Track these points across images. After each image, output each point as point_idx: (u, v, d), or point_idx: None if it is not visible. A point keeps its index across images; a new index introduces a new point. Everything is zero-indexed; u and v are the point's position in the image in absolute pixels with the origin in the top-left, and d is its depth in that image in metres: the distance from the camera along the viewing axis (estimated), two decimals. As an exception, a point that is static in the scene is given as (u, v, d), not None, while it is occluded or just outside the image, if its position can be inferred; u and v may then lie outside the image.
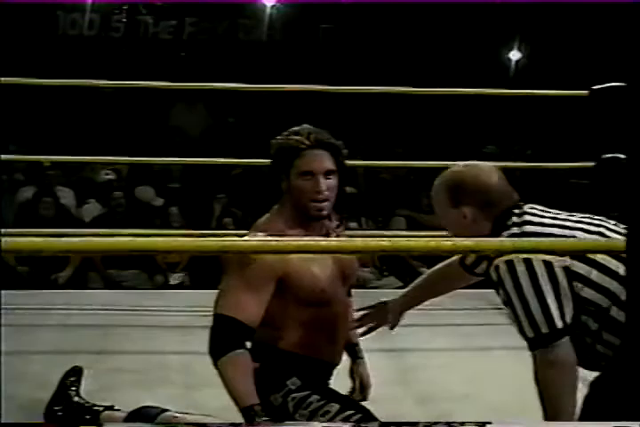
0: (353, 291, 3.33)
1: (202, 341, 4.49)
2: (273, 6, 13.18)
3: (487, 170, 3.02)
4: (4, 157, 5.60)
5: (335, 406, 2.96)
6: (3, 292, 5.52)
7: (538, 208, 2.99)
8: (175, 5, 12.99)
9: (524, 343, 2.76)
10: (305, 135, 2.94)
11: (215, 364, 2.88)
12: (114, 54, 12.42)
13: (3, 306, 4.98)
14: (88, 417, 3.69)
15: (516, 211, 2.94)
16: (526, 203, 3.00)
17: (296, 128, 2.99)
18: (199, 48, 12.92)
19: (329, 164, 2.92)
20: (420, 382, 4.30)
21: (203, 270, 7.31)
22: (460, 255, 3.26)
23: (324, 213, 2.96)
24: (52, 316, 4.93)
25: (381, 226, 8.60)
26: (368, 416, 2.96)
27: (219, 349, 2.90)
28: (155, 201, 9.34)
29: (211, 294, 5.11)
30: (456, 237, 2.93)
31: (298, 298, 2.98)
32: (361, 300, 3.37)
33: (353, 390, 3.31)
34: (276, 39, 13.03)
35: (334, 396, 3.04)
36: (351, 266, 3.15)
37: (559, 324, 2.74)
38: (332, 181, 2.94)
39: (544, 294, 2.77)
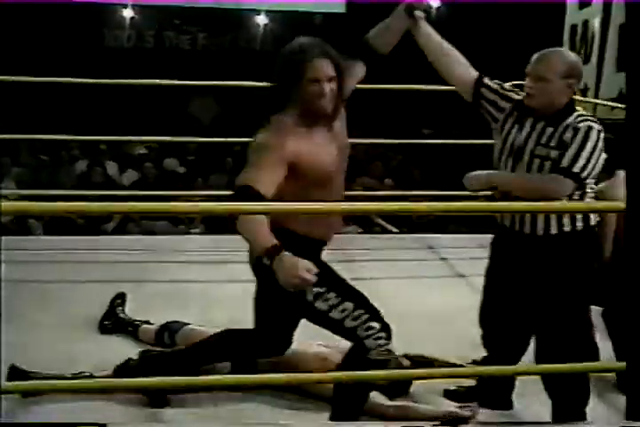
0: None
1: (216, 272, 4.57)
2: (265, 25, 13.11)
3: None
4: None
5: (349, 305, 2.73)
6: (66, 237, 5.58)
7: None
8: (190, 23, 12.98)
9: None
10: (310, 49, 2.74)
11: (235, 224, 2.59)
12: (146, 61, 12.31)
13: (66, 248, 5.02)
14: (130, 329, 3.72)
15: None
16: None
17: (301, 42, 2.78)
18: (210, 55, 12.86)
19: (331, 71, 2.74)
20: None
21: (214, 222, 7.31)
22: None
23: (329, 111, 2.75)
24: (102, 255, 4.93)
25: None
26: (375, 316, 2.73)
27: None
28: (178, 169, 9.36)
29: (220, 240, 5.20)
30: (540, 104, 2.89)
31: (307, 180, 2.75)
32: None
33: None
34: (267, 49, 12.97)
35: (347, 293, 2.77)
36: (347, 146, 2.91)
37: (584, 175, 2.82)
38: (334, 85, 2.75)
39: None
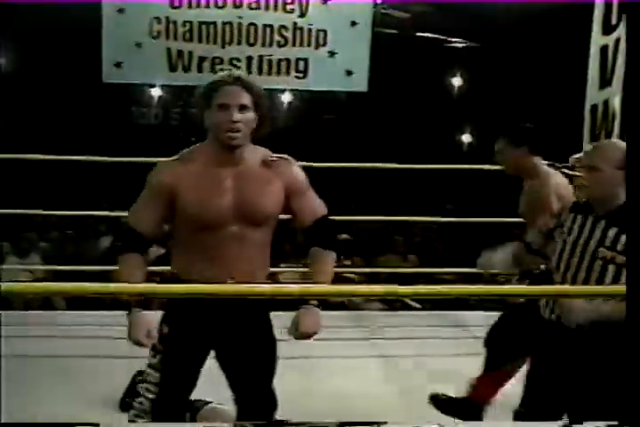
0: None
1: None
2: (290, 102, 13.30)
3: None
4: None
5: (155, 377, 2.72)
6: (88, 312, 5.53)
7: None
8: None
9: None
10: (225, 75, 2.62)
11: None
12: (173, 137, 12.51)
13: (88, 324, 4.97)
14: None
15: None
16: None
17: (220, 74, 2.68)
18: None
19: (243, 99, 2.55)
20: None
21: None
22: None
23: (235, 142, 2.56)
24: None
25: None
26: (163, 399, 2.71)
27: (118, 250, 2.68)
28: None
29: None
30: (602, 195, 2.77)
31: (183, 220, 2.60)
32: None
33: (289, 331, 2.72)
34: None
35: (170, 369, 2.71)
36: (251, 203, 2.60)
37: None
38: (247, 115, 2.56)
39: None
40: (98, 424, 2.44)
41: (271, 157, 2.69)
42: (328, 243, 2.75)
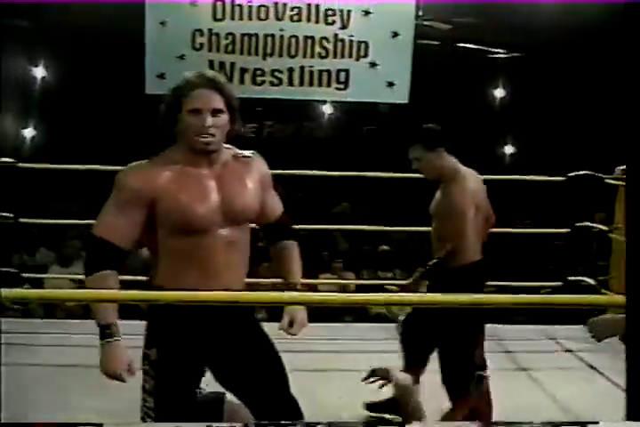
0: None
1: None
2: (330, 114, 13.31)
3: None
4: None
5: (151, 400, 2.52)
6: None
7: None
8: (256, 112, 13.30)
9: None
10: (196, 77, 2.46)
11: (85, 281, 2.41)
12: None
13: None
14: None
15: None
16: None
17: (188, 75, 2.50)
18: (275, 143, 13.10)
19: (217, 103, 2.42)
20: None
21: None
22: None
23: (210, 147, 2.44)
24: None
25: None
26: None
27: (88, 268, 2.41)
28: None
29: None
30: None
31: (167, 226, 2.43)
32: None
33: (281, 326, 2.67)
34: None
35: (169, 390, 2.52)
36: (237, 202, 2.50)
37: None
38: (220, 119, 2.44)
39: None
40: (101, 424, 2.39)
41: (240, 153, 2.61)
42: (295, 234, 2.76)
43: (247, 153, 2.63)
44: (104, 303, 2.36)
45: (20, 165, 5.28)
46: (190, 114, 2.42)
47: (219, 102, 2.43)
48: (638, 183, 2.22)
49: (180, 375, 2.53)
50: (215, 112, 2.43)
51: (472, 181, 3.72)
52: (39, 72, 11.12)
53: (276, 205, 2.72)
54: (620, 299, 2.33)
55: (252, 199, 2.56)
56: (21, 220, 5.29)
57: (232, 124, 2.49)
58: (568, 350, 4.67)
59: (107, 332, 2.39)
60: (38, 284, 6.42)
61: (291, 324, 2.65)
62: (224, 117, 2.45)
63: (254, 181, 2.58)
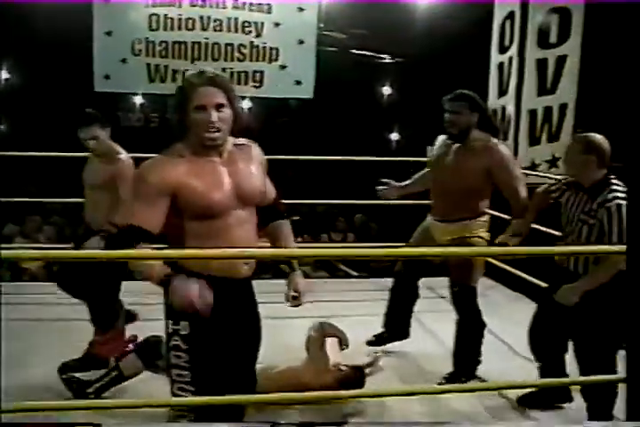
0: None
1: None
2: (250, 108, 13.23)
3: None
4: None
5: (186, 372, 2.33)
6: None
7: None
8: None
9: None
10: (196, 76, 2.30)
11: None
12: (153, 137, 12.39)
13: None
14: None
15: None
16: None
17: (190, 73, 2.35)
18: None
19: (220, 98, 2.27)
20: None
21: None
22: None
23: (218, 142, 2.30)
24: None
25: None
26: (199, 386, 2.31)
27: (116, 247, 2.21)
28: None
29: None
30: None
31: (190, 212, 2.28)
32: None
33: (286, 297, 2.53)
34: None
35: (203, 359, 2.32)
36: (248, 185, 2.38)
37: None
38: (224, 113, 2.29)
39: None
40: (99, 424, 2.24)
41: (238, 141, 2.46)
42: (287, 215, 2.66)
43: (244, 141, 2.48)
44: (150, 261, 2.25)
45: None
46: (196, 111, 2.27)
47: (221, 98, 2.28)
48: (638, 183, 2.07)
49: (216, 346, 2.34)
50: (219, 107, 2.28)
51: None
52: (2, 74, 10.95)
53: (272, 189, 2.56)
54: (619, 248, 2.42)
55: (260, 182, 2.43)
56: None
57: (235, 117, 2.33)
58: (442, 297, 4.81)
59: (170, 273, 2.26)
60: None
61: (294, 297, 2.52)
62: (227, 111, 2.30)
63: (257, 165, 2.45)
